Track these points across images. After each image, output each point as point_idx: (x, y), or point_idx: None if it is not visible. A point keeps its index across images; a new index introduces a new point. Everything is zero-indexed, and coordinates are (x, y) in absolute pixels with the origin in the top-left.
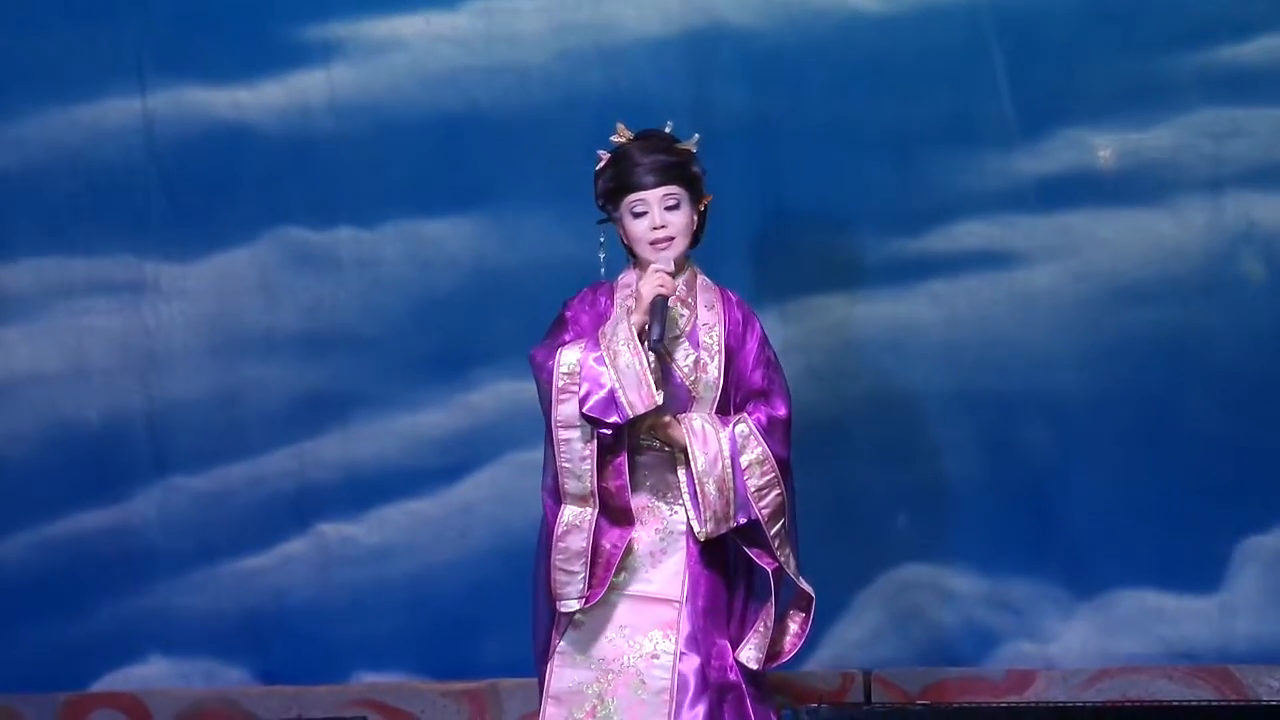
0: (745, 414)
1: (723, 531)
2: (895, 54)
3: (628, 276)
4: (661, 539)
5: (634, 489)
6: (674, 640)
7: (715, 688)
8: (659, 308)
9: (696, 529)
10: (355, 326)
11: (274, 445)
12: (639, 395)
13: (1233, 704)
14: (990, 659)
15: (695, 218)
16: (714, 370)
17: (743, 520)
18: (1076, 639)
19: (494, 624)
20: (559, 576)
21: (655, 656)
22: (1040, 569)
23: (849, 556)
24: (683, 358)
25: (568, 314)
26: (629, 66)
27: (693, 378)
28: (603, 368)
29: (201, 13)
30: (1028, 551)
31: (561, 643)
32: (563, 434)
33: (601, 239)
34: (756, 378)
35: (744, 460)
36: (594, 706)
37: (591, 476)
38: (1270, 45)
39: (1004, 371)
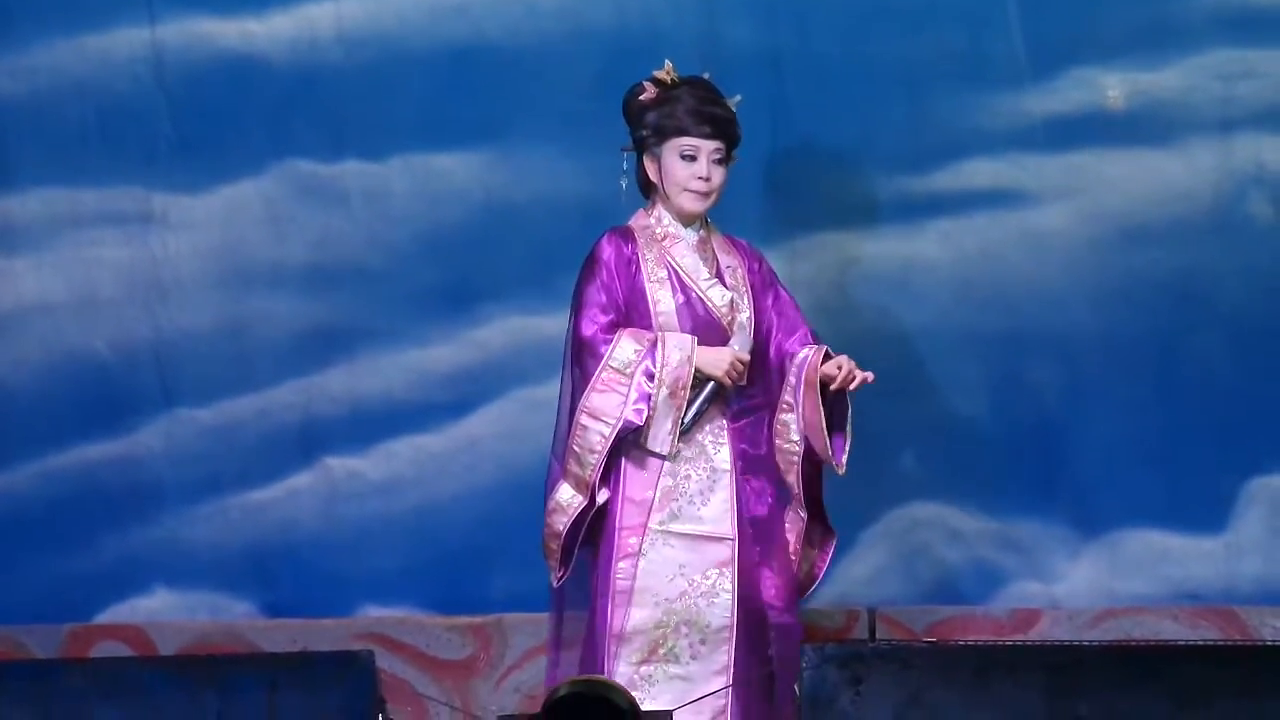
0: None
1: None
2: None
3: (643, 219)
4: (709, 476)
5: (685, 429)
6: (729, 577)
7: (771, 625)
8: (711, 392)
9: (843, 469)
10: (362, 260)
11: (281, 378)
12: (660, 441)
13: (1237, 644)
14: (995, 598)
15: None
16: (745, 309)
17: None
18: (1082, 579)
19: (500, 559)
20: (544, 546)
21: (714, 595)
22: (1046, 508)
23: (855, 494)
24: (719, 298)
25: (602, 267)
26: (640, 1)
27: (729, 318)
28: (649, 389)
29: None
30: (1034, 491)
31: (622, 582)
32: (584, 419)
33: (624, 166)
34: (788, 297)
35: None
36: (656, 644)
37: (595, 470)
38: None
39: (1012, 310)
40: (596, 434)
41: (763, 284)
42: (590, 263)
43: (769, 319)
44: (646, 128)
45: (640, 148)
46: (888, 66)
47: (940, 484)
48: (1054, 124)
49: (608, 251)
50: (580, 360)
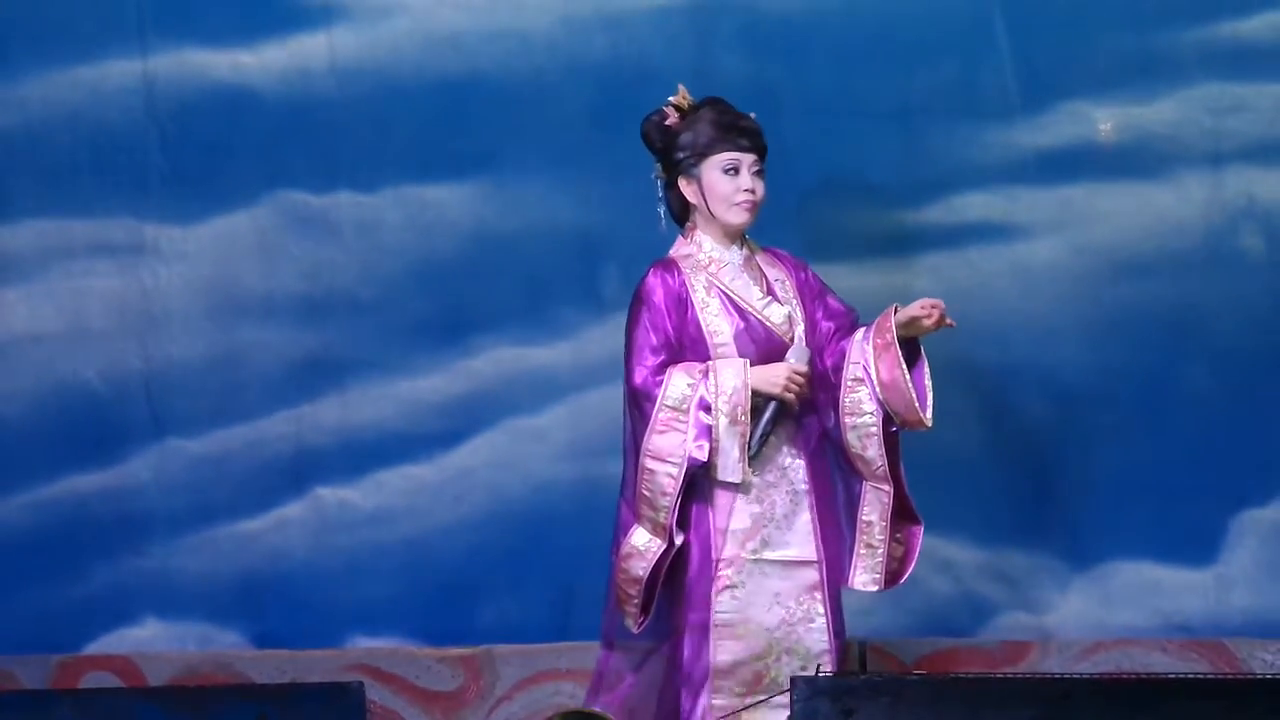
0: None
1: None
2: (898, 25)
3: (683, 247)
4: (791, 499)
5: (768, 455)
6: (820, 600)
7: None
8: (775, 410)
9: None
10: (354, 291)
11: (272, 409)
12: (730, 470)
13: (1227, 677)
14: (986, 630)
15: None
16: (800, 321)
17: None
18: (1072, 610)
19: (490, 590)
20: (620, 593)
21: (810, 620)
22: (1037, 540)
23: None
24: (778, 316)
25: (649, 308)
26: (632, 33)
27: (790, 334)
28: (709, 421)
29: None
30: (1025, 522)
31: (723, 615)
32: (649, 463)
33: (660, 194)
34: (839, 305)
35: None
36: (760, 675)
37: (669, 514)
38: (1272, 21)
39: (1004, 343)
40: (665, 476)
41: (811, 294)
42: (636, 302)
43: (822, 329)
44: (682, 150)
45: (675, 172)
46: (880, 99)
47: (931, 515)
48: (1045, 157)
49: (654, 288)
50: (637, 405)
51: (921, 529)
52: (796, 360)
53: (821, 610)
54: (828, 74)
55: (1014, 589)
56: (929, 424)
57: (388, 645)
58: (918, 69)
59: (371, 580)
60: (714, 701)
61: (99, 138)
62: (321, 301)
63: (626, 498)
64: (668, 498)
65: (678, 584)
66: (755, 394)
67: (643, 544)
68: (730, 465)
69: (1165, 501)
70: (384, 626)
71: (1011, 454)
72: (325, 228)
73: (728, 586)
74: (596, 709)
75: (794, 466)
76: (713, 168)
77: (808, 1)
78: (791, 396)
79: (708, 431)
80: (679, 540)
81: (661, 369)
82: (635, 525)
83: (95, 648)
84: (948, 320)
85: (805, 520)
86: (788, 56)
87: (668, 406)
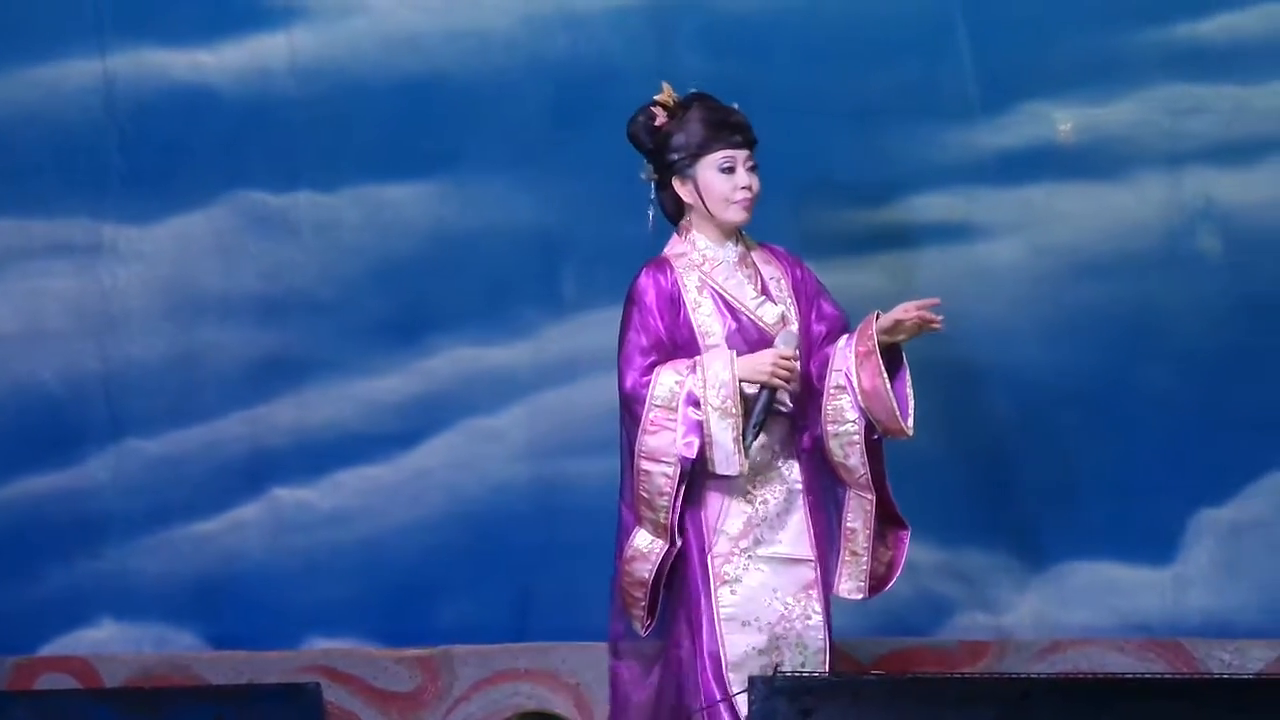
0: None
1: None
2: (859, 25)
3: (677, 246)
4: (785, 498)
5: (758, 451)
6: (816, 598)
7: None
8: (767, 399)
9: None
10: (313, 291)
11: (229, 409)
12: (726, 462)
13: (1184, 677)
14: (944, 630)
15: None
16: (794, 320)
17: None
18: (1030, 610)
19: (447, 590)
20: (625, 596)
21: (808, 618)
22: (995, 540)
23: None
24: (770, 315)
25: (640, 309)
26: (593, 32)
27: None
28: (698, 416)
29: None
30: (983, 522)
31: (726, 609)
32: (645, 464)
33: (651, 196)
34: (832, 309)
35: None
36: (766, 670)
37: (669, 513)
38: (1230, 23)
39: (963, 343)
40: (661, 476)
41: (807, 294)
42: (628, 303)
43: (814, 332)
44: (675, 151)
45: (669, 173)
46: (840, 99)
47: None
48: (1004, 158)
49: (646, 288)
50: (629, 409)
51: (908, 534)
52: (784, 346)
53: (819, 608)
54: (788, 73)
55: (972, 589)
56: (910, 433)
57: (345, 646)
58: (878, 69)
59: (329, 581)
60: (735, 691)
61: (57, 137)
62: (280, 302)
63: (627, 501)
64: (665, 497)
65: (678, 584)
66: (744, 384)
67: (645, 546)
68: (725, 458)
69: (1123, 501)
70: (341, 627)
71: (970, 454)
72: (284, 227)
73: (726, 582)
74: (557, 710)
75: (787, 465)
76: (708, 167)
77: (768, 1)
78: (780, 382)
79: (697, 427)
80: (680, 541)
81: (650, 370)
82: (637, 528)
83: (51, 649)
84: (933, 322)
85: (799, 519)
86: (748, 56)
87: (657, 405)
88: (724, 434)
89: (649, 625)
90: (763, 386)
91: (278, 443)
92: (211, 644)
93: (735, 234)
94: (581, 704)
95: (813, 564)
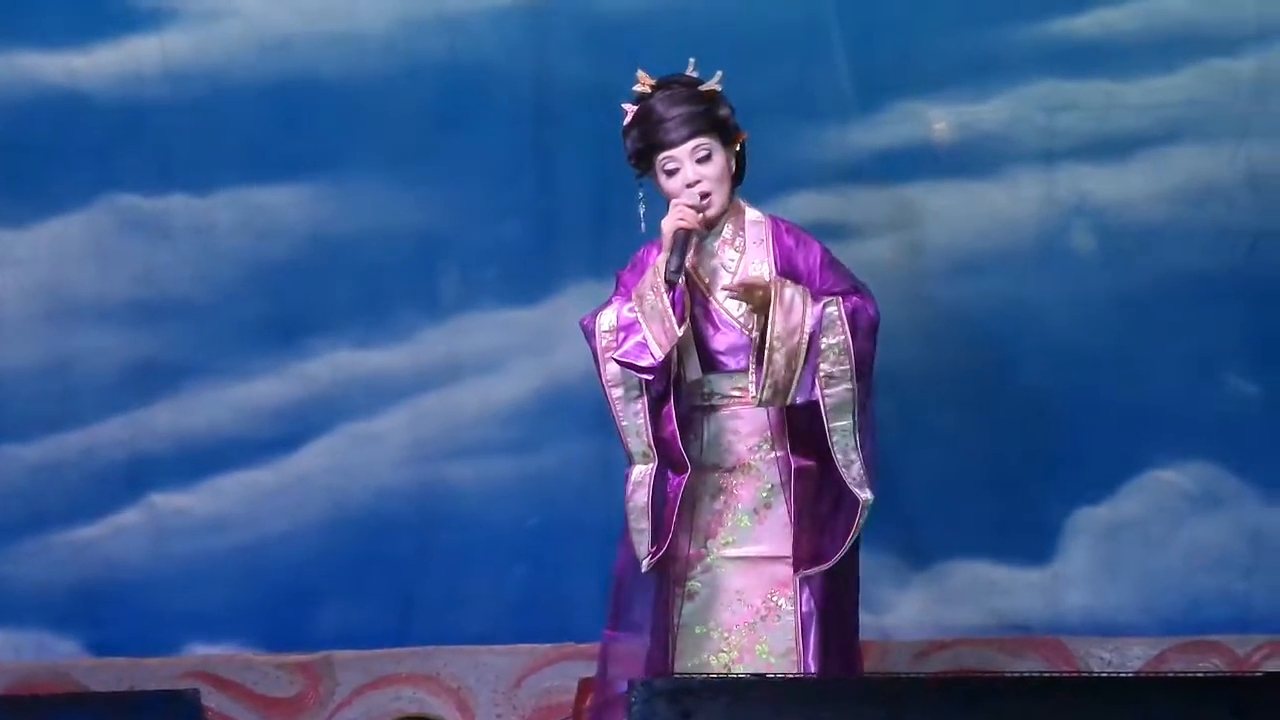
0: (839, 298)
1: (775, 405)
2: (734, 26)
3: None
4: (764, 494)
5: (728, 447)
6: (792, 598)
7: (823, 619)
8: (680, 241)
9: (752, 394)
10: (188, 294)
11: (106, 414)
12: (662, 330)
13: (1064, 675)
14: None
15: (732, 159)
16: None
17: (800, 401)
18: (911, 609)
19: (328, 596)
20: (634, 537)
21: (777, 618)
22: (875, 539)
23: None
24: (735, 307)
25: (627, 271)
26: (470, 34)
27: (750, 326)
28: (633, 315)
29: None
30: None
31: (681, 618)
32: (613, 392)
33: (640, 194)
34: (828, 279)
35: (823, 342)
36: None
37: (646, 430)
38: (1103, 18)
39: None
40: (625, 397)
41: (793, 267)
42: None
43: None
44: (631, 158)
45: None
46: None
47: None
48: (880, 156)
49: (639, 257)
50: (590, 346)
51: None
52: (686, 198)
53: (790, 609)
54: (664, 75)
55: None
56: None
57: (226, 652)
58: (753, 69)
59: (209, 587)
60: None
61: None
62: (155, 305)
63: (626, 457)
64: (639, 415)
65: (648, 580)
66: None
67: (638, 475)
68: (660, 328)
69: (1001, 500)
70: (222, 633)
71: None
72: (159, 231)
73: (689, 589)
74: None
75: (765, 462)
76: (658, 173)
77: (643, 3)
78: (688, 224)
79: (635, 326)
80: (666, 455)
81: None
82: (631, 465)
83: None
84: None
85: (781, 513)
86: (624, 59)
87: (604, 333)
88: (654, 305)
89: (656, 553)
90: (675, 237)
91: (156, 448)
92: (92, 651)
93: (718, 220)
94: (463, 707)
95: (789, 561)
